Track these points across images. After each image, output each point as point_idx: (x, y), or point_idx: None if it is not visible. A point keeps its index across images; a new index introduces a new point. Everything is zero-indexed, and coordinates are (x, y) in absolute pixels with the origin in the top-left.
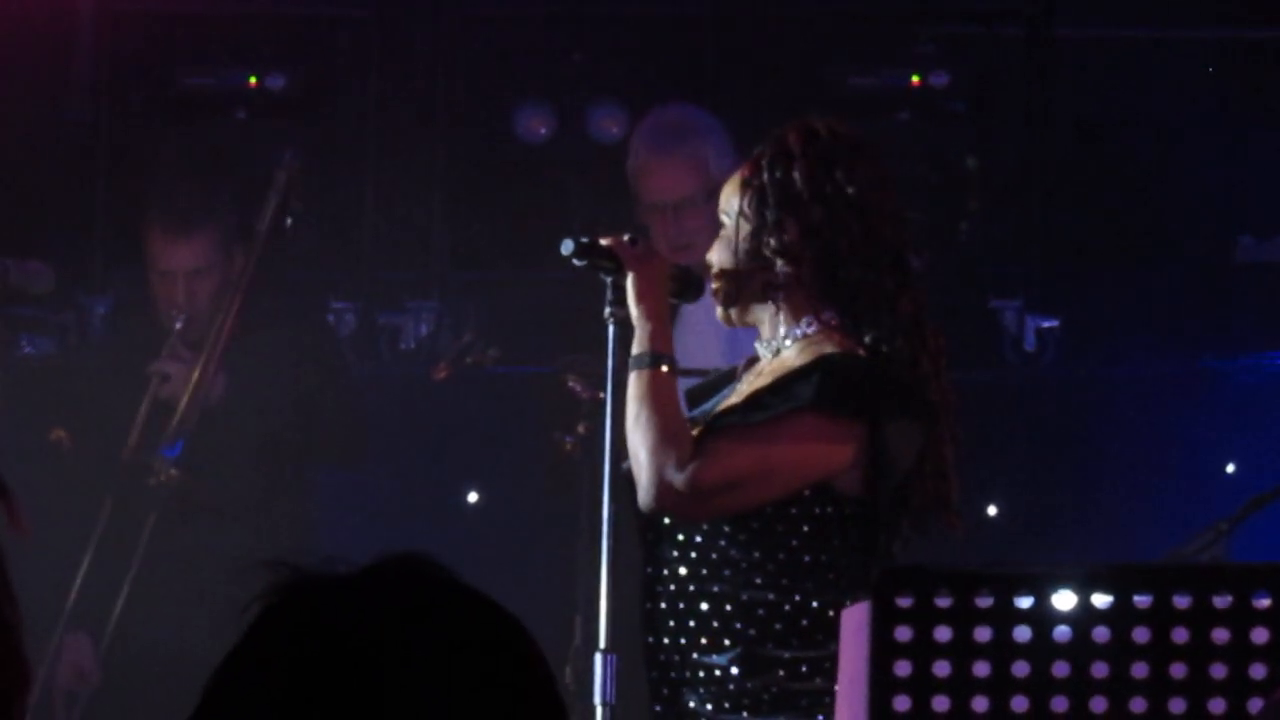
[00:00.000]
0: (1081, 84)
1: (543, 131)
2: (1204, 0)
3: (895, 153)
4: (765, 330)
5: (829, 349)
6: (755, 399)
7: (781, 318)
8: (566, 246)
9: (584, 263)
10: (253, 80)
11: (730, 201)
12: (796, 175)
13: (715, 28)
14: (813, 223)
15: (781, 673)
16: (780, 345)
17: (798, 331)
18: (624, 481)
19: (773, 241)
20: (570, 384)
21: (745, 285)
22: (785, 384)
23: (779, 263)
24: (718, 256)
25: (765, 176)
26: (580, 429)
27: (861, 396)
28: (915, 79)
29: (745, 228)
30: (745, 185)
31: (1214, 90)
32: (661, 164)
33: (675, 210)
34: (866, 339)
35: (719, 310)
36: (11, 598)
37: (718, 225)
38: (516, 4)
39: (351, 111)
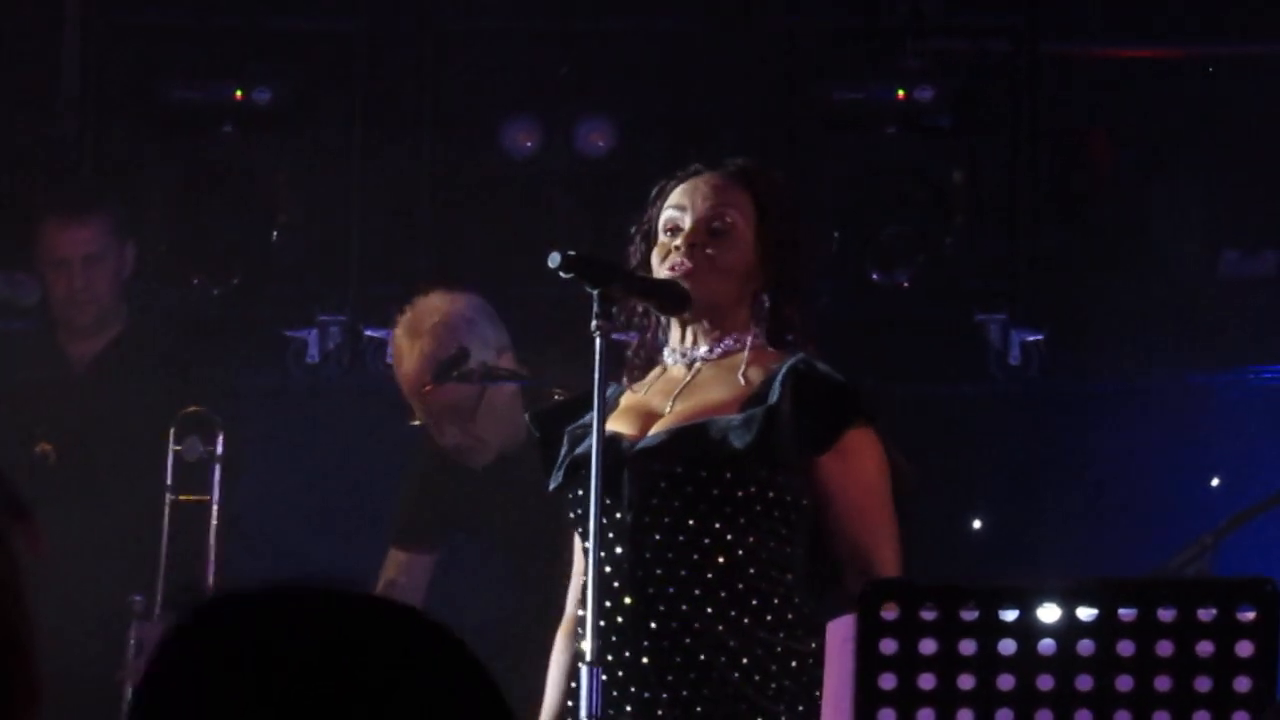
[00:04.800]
0: (1066, 99)
1: (529, 145)
2: (1188, 16)
3: (881, 167)
4: (685, 340)
5: (787, 359)
6: (807, 415)
7: (717, 329)
8: (554, 259)
9: (571, 275)
10: (239, 94)
11: (743, 209)
12: (799, 226)
13: (702, 42)
14: (801, 272)
15: (774, 666)
16: (701, 355)
17: (729, 343)
18: (606, 485)
19: (778, 272)
20: (557, 397)
21: (735, 293)
22: (830, 401)
23: (766, 291)
24: (730, 260)
25: (778, 209)
26: None
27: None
28: (901, 93)
29: (757, 247)
30: (765, 209)
31: (1198, 105)
32: (425, 381)
33: (450, 417)
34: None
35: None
36: (25, 618)
37: (494, 414)
38: (503, 18)
39: (338, 125)
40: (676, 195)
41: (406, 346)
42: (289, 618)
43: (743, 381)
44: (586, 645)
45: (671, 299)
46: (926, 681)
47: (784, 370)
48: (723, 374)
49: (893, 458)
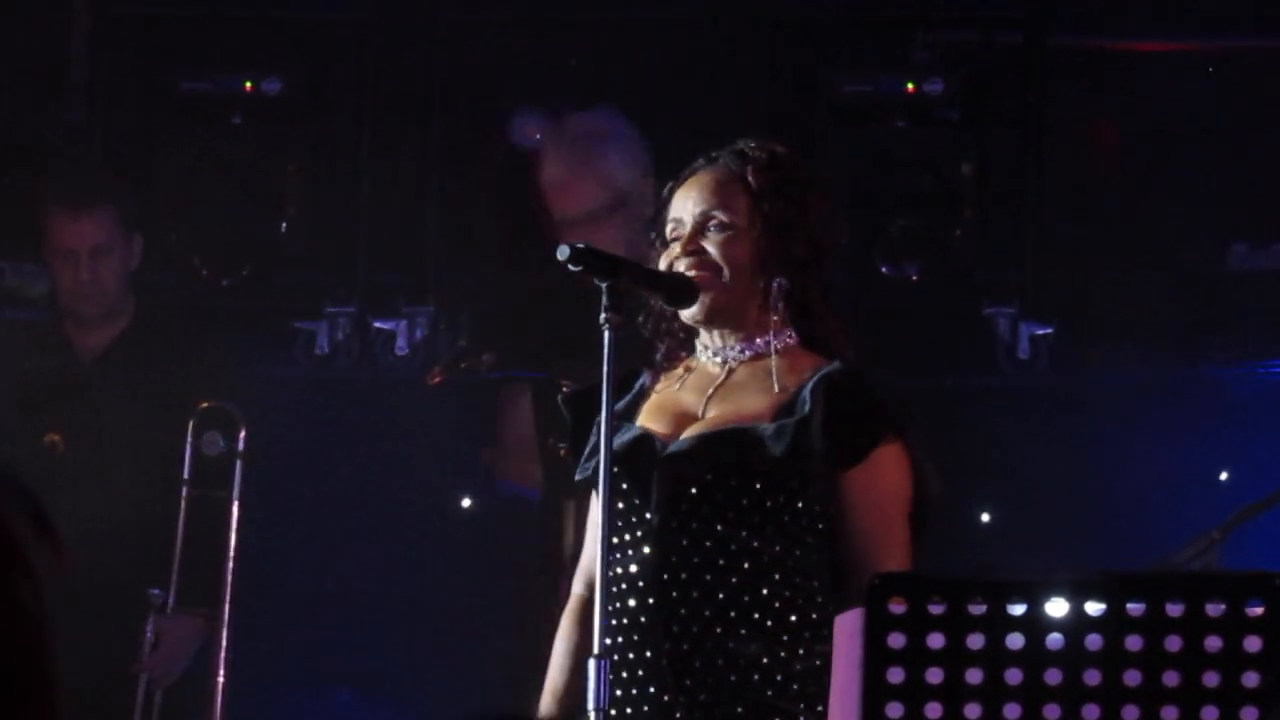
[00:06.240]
0: (1075, 91)
1: (537, 136)
2: (1198, 8)
3: (890, 159)
4: (715, 339)
5: (821, 365)
6: (838, 428)
7: (742, 329)
8: (563, 252)
9: (580, 268)
10: (248, 85)
11: (738, 205)
12: (808, 201)
13: (710, 33)
14: (815, 249)
15: (796, 668)
16: (733, 355)
17: (760, 344)
18: (620, 479)
19: (786, 256)
20: (565, 389)
21: (749, 289)
22: (862, 415)
23: (779, 277)
24: (733, 253)
25: (780, 193)
26: None
27: (904, 415)
28: (910, 86)
29: (760, 235)
30: (761, 196)
31: (1208, 98)
32: (569, 180)
33: (586, 225)
34: (836, 360)
35: (699, 308)
36: (48, 646)
37: (629, 236)
38: (511, 8)
39: (347, 116)
40: (675, 202)
41: (554, 153)
42: None
43: (776, 387)
44: (594, 639)
45: (679, 291)
46: (934, 676)
47: (816, 379)
48: (757, 377)
49: (921, 470)
